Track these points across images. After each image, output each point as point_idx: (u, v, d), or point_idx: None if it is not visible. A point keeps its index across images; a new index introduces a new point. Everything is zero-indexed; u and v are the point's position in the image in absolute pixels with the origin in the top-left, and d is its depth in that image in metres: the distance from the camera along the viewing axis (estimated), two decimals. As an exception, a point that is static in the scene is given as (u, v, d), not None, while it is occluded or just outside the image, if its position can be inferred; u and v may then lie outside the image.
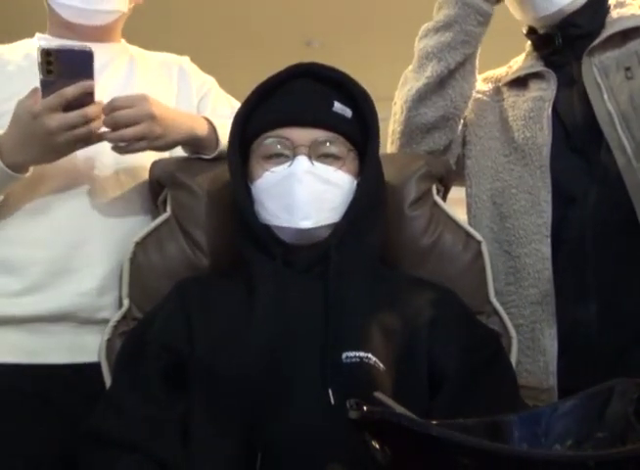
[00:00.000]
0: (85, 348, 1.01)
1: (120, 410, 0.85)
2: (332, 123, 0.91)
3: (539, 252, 1.00)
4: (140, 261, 1.03)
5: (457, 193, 1.18)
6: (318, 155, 0.90)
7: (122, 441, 0.81)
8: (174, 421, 0.84)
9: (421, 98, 1.10)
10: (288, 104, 0.92)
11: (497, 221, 1.07)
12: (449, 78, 1.09)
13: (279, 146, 0.91)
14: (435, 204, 1.07)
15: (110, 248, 1.04)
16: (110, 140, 0.95)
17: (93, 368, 0.99)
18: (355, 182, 0.92)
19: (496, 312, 1.02)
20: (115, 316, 1.01)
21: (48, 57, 0.87)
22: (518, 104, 1.09)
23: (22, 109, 0.91)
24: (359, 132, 0.93)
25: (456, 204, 1.13)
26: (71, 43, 0.97)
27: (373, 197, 0.92)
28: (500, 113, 1.13)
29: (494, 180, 1.09)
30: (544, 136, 1.03)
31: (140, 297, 1.02)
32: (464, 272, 1.03)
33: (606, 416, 0.60)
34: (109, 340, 0.99)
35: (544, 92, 1.06)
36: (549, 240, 1.00)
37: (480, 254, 1.03)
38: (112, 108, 0.93)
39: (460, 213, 1.10)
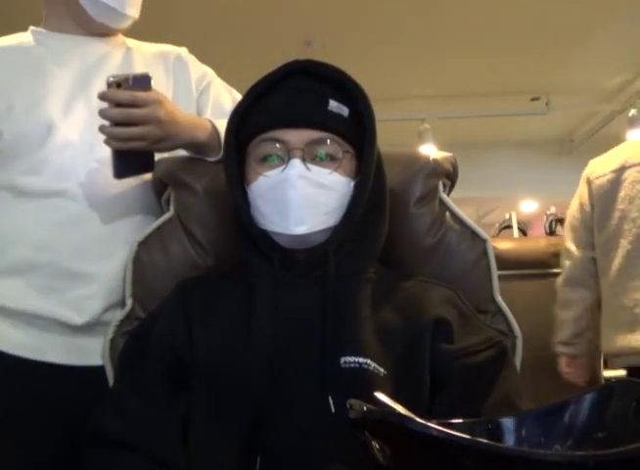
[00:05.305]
0: (85, 350, 1.01)
1: (122, 410, 0.85)
2: (327, 123, 0.88)
3: None
4: (143, 261, 1.03)
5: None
6: (313, 156, 0.87)
7: (123, 441, 0.81)
8: (175, 422, 0.84)
9: None
10: (282, 104, 0.90)
11: None
12: None
13: (272, 149, 0.88)
14: (442, 201, 1.06)
15: (115, 248, 1.04)
16: (113, 135, 0.94)
17: (93, 371, 0.99)
18: (352, 183, 0.90)
19: (501, 311, 1.01)
20: (119, 316, 1.01)
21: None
22: None
23: None
24: (356, 131, 0.90)
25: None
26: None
27: (372, 198, 0.90)
28: None
29: None
30: None
31: (143, 296, 1.02)
32: (469, 271, 1.02)
33: (606, 416, 0.60)
34: (112, 339, 0.99)
35: None
36: None
37: (485, 252, 1.03)
38: (131, 101, 0.92)
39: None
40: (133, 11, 1.11)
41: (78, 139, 1.04)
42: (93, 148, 1.01)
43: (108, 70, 1.09)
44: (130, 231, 1.05)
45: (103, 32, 1.14)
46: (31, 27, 1.14)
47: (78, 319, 1.00)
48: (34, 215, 1.01)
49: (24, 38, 1.12)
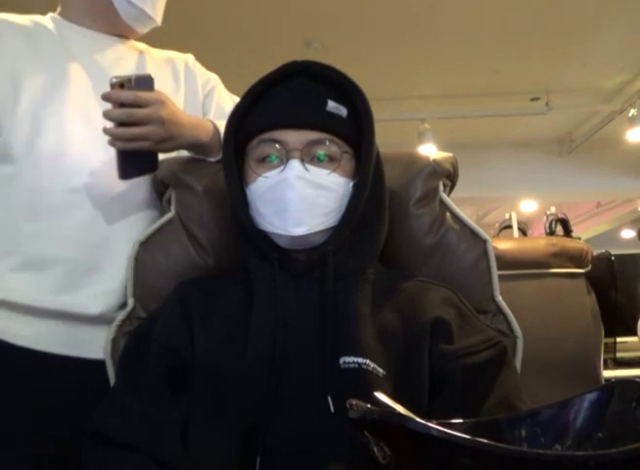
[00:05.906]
0: (87, 343, 1.01)
1: (121, 410, 0.85)
2: (325, 124, 0.88)
3: None
4: (144, 261, 1.03)
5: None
6: (311, 157, 0.87)
7: (123, 441, 0.81)
8: (175, 422, 0.84)
9: None
10: (280, 105, 0.90)
11: None
12: None
13: (271, 150, 0.88)
14: (442, 201, 1.06)
15: (131, 245, 1.04)
16: (117, 135, 0.94)
17: (96, 365, 0.99)
18: (351, 184, 0.90)
19: (501, 311, 1.01)
20: (120, 316, 1.01)
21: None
22: None
23: None
24: (355, 131, 0.90)
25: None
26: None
27: (371, 198, 0.90)
28: None
29: None
30: None
31: (144, 296, 1.02)
32: (469, 271, 1.02)
33: (606, 416, 0.60)
34: (113, 339, 1.00)
35: None
36: None
37: (485, 252, 1.02)
38: (134, 101, 0.92)
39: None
40: (160, 19, 1.14)
41: (96, 138, 1.04)
42: (108, 147, 1.01)
43: (124, 72, 1.09)
44: (146, 228, 1.06)
45: (119, 33, 1.14)
46: (50, 14, 1.13)
47: (95, 309, 1.01)
48: (55, 213, 1.01)
49: (46, 23, 1.10)
